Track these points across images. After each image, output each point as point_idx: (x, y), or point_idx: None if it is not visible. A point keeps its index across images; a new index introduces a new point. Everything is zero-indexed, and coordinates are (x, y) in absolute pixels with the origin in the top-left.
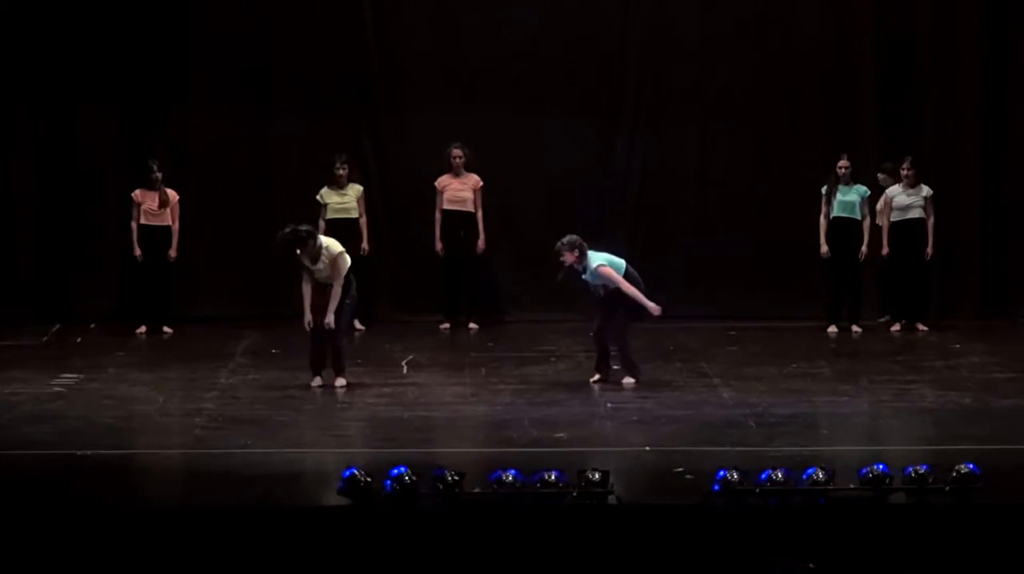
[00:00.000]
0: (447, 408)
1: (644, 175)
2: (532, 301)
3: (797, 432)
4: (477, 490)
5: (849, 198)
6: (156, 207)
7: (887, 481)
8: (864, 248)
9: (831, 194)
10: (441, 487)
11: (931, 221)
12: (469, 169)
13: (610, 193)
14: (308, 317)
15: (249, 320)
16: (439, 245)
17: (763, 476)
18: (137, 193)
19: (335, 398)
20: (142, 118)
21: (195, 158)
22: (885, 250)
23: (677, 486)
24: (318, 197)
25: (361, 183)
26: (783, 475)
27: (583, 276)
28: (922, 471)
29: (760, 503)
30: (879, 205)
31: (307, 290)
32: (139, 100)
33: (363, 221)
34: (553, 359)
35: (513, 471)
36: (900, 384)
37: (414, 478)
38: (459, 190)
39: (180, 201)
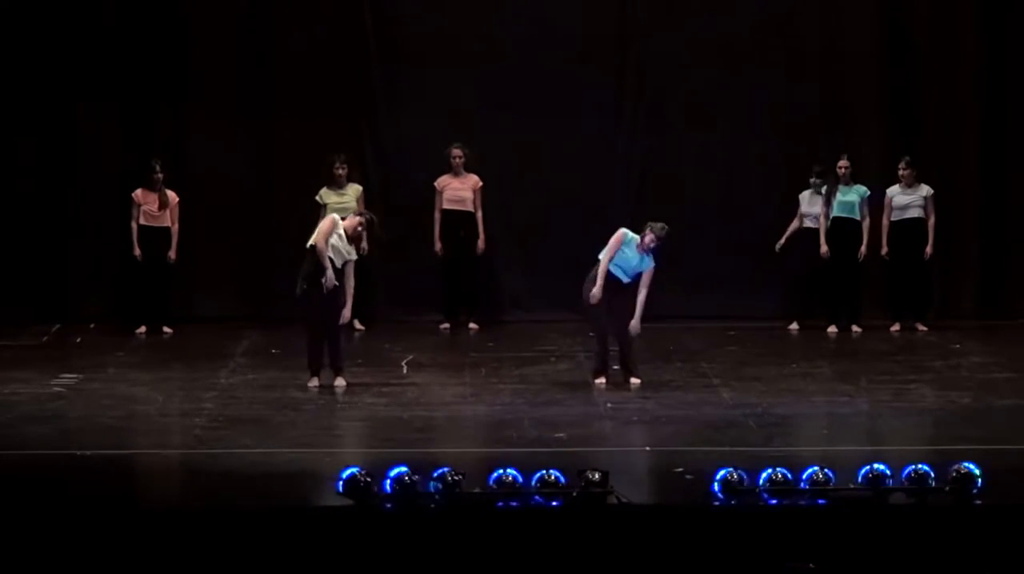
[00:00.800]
0: (447, 408)
1: (644, 175)
2: (532, 301)
3: (797, 432)
4: (477, 490)
5: (849, 198)
6: (156, 209)
7: (887, 481)
8: (863, 248)
9: (831, 194)
10: (441, 487)
11: (931, 221)
12: (469, 169)
13: (610, 193)
14: (348, 313)
15: (249, 320)
16: (439, 245)
17: (763, 476)
18: (138, 193)
19: (335, 398)
20: (142, 118)
21: (195, 158)
22: (884, 250)
23: (677, 486)
24: (318, 197)
25: (361, 183)
26: (783, 475)
27: (635, 259)
28: (922, 471)
29: (760, 503)
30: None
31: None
32: (139, 100)
33: None
34: (553, 359)
35: (513, 471)
36: (900, 384)
37: (414, 478)
38: (459, 190)
39: (180, 201)
